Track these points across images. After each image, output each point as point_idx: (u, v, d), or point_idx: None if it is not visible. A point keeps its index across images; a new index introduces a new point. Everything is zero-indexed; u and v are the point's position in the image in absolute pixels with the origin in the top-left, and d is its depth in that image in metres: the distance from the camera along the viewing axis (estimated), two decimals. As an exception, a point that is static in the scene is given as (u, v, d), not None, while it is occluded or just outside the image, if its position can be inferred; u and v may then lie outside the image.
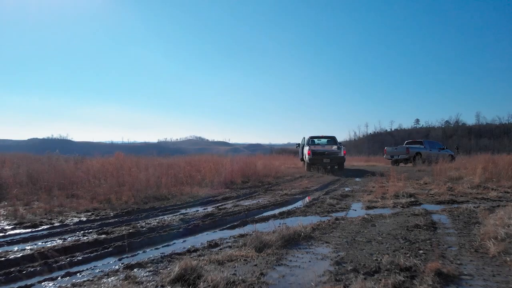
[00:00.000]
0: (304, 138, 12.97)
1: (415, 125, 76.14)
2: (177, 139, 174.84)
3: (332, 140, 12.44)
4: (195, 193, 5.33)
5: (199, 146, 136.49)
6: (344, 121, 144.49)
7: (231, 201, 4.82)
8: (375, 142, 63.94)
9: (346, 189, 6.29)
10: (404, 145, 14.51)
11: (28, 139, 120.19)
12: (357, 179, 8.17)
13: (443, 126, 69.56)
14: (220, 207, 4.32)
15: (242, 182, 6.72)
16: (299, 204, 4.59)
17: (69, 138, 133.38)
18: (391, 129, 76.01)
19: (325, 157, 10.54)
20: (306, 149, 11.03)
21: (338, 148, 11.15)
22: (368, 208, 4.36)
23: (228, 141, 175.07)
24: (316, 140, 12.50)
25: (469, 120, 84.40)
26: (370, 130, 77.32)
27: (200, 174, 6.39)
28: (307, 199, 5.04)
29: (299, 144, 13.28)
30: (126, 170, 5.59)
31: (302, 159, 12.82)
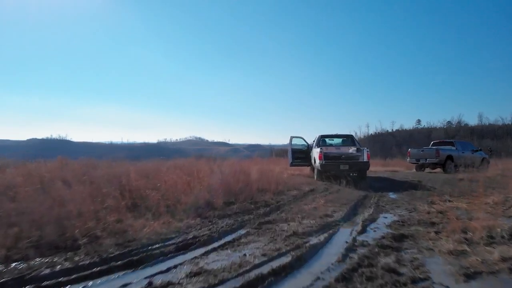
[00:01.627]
0: (292, 138, 10.12)
1: (417, 126, 74.21)
2: (177, 139, 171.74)
3: (349, 139, 9.62)
4: (136, 230, 3.02)
5: (199, 146, 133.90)
6: (345, 121, 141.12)
7: (192, 254, 2.54)
8: (376, 142, 61.97)
9: (389, 217, 3.96)
10: (432, 147, 12.11)
11: (28, 140, 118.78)
12: (392, 195, 5.84)
13: (445, 127, 67.69)
14: (162, 275, 2.08)
15: (225, 203, 4.29)
16: (323, 264, 2.32)
17: (68, 138, 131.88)
18: (392, 129, 73.99)
19: (343, 162, 7.88)
20: (316, 151, 8.40)
21: (359, 150, 8.46)
22: (467, 277, 2.12)
23: (228, 142, 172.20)
24: (328, 140, 9.65)
25: (471, 120, 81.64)
26: (371, 131, 74.89)
27: (159, 192, 4.10)
28: (336, 251, 2.76)
29: (313, 145, 9.89)
30: (28, 187, 3.38)
31: (292, 164, 10.07)
